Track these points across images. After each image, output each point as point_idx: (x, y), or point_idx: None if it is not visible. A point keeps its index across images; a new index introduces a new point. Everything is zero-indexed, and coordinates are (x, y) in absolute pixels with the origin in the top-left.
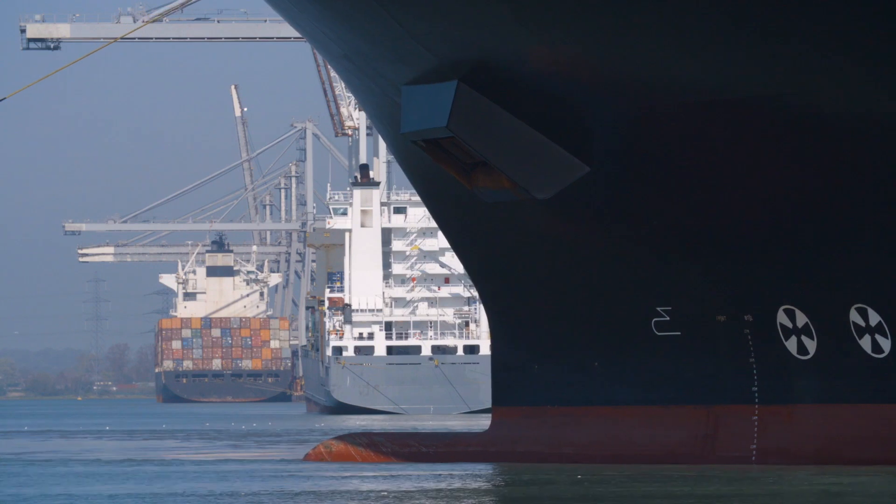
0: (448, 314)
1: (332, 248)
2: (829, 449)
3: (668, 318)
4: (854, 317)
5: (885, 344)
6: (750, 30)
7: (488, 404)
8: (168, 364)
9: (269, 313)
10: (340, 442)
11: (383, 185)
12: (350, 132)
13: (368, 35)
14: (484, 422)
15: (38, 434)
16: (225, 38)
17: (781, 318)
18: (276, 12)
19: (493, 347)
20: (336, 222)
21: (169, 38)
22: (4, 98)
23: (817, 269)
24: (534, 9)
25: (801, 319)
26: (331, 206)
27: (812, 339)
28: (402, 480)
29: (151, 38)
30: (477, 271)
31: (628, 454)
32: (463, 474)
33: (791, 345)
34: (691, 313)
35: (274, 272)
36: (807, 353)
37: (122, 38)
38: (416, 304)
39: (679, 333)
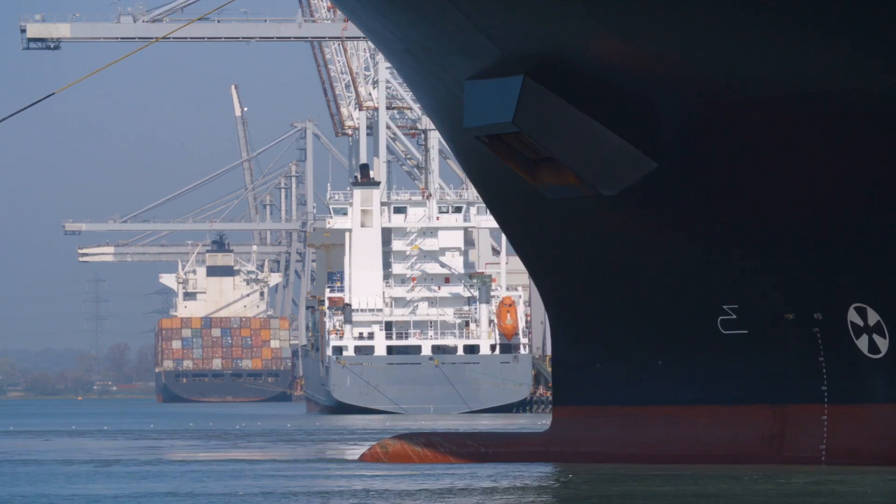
0: (448, 314)
1: (332, 247)
2: None
3: (734, 317)
4: None
5: None
6: (818, 24)
7: (488, 404)
8: (168, 364)
9: (269, 313)
10: (397, 442)
11: (383, 184)
12: (350, 132)
13: (433, 29)
14: (484, 422)
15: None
16: (225, 38)
17: (852, 316)
18: (337, 6)
19: (553, 346)
20: (336, 222)
21: (169, 38)
22: (52, 94)
23: (890, 267)
24: (606, 1)
25: (873, 318)
26: (331, 206)
27: (884, 337)
28: (475, 480)
29: (152, 38)
30: (537, 269)
31: (693, 454)
32: (535, 474)
33: (862, 343)
34: (759, 311)
35: (274, 272)
36: (878, 351)
37: (163, 38)
38: (416, 304)
39: (746, 332)
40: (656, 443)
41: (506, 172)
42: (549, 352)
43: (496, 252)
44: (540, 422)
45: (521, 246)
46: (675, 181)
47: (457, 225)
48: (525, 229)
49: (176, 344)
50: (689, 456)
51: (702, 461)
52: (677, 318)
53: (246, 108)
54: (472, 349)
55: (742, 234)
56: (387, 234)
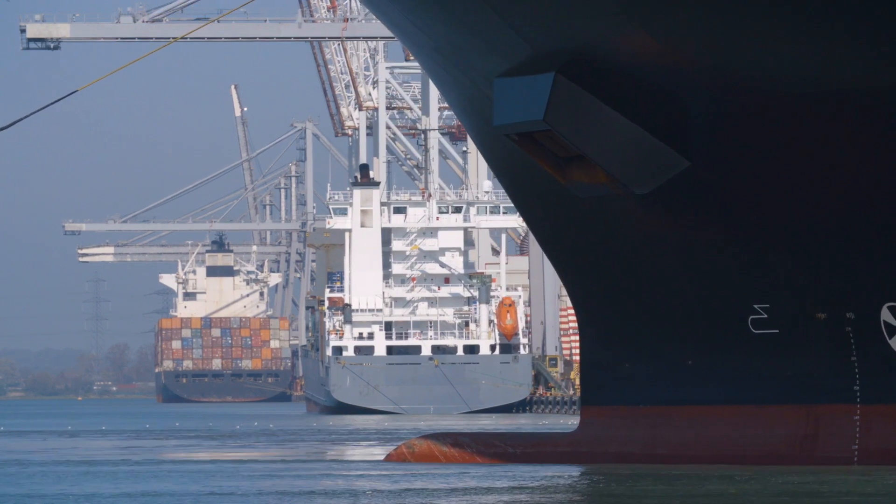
0: (448, 314)
1: (332, 248)
2: None
3: (765, 316)
4: None
5: None
6: (852, 21)
7: (488, 404)
8: (168, 364)
9: (269, 313)
10: (424, 442)
11: (383, 184)
12: (350, 132)
13: (463, 26)
14: (484, 421)
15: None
16: (225, 38)
17: (885, 315)
18: (364, 4)
19: (581, 345)
20: (336, 222)
21: (169, 39)
22: (76, 90)
23: None
24: None
25: None
26: (331, 206)
27: None
28: (500, 480)
29: (151, 38)
30: (566, 268)
31: (724, 455)
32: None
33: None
34: (790, 310)
35: (274, 272)
36: None
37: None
38: (416, 304)
39: (777, 331)
40: (686, 443)
41: (535, 171)
42: (548, 352)
43: (496, 252)
44: (540, 422)
45: (549, 245)
46: (707, 179)
47: (456, 225)
48: (554, 228)
49: (176, 344)
50: (719, 456)
51: (732, 462)
52: (707, 317)
53: (246, 108)
54: (471, 349)
55: (774, 232)
56: (387, 235)
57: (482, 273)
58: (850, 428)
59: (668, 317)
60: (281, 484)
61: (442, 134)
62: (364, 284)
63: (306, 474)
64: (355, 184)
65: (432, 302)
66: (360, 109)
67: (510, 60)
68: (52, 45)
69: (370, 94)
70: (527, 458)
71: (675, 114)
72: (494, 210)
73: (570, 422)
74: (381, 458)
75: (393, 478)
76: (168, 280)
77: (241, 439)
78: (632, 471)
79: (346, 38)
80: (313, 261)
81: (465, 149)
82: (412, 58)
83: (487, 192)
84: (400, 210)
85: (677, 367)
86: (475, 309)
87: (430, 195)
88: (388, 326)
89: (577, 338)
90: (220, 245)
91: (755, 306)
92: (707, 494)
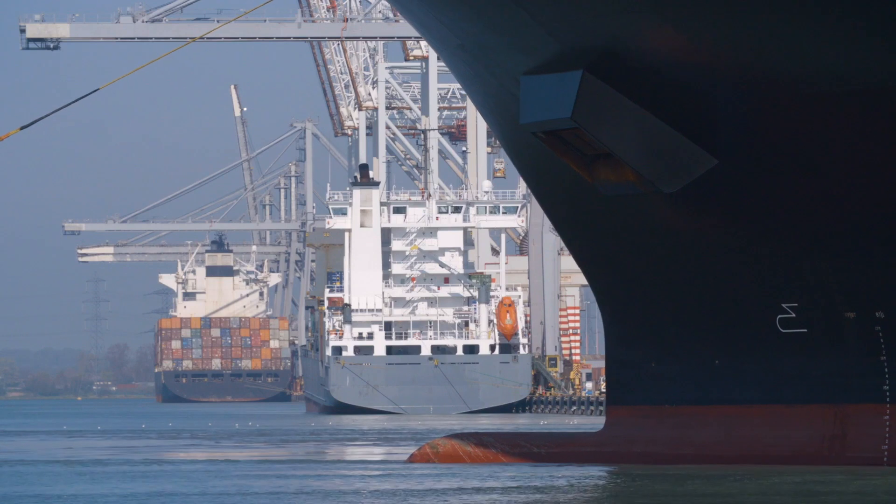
0: (448, 314)
1: (332, 247)
2: None
3: (793, 315)
4: None
5: None
6: (883, 19)
7: (488, 404)
8: (168, 364)
9: (268, 313)
10: (448, 442)
11: (383, 184)
12: (350, 132)
13: (490, 23)
14: (483, 421)
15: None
16: (225, 38)
17: None
18: (390, 2)
19: (607, 345)
20: (336, 222)
21: (169, 38)
22: (97, 89)
23: None
24: None
25: None
26: (330, 206)
27: None
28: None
29: (151, 38)
30: (591, 267)
31: (751, 455)
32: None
33: None
34: (819, 310)
35: (273, 272)
36: None
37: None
38: (415, 304)
39: (805, 330)
40: (713, 443)
41: (560, 169)
42: (547, 352)
43: (496, 252)
44: (541, 422)
45: (574, 244)
46: (735, 178)
47: (456, 225)
48: (579, 227)
49: (175, 344)
50: (746, 457)
51: (760, 462)
52: (735, 316)
53: (246, 108)
54: (471, 349)
55: (803, 231)
56: (386, 234)
57: (482, 273)
58: (879, 428)
59: (695, 316)
60: (314, 485)
61: (442, 134)
62: (364, 284)
63: (333, 475)
64: (355, 184)
65: (432, 302)
66: (360, 109)
67: (537, 58)
68: (51, 45)
69: (370, 94)
70: (552, 457)
71: (702, 111)
72: (494, 210)
73: (572, 421)
74: (404, 458)
75: (423, 478)
76: (168, 280)
77: (258, 439)
78: (660, 471)
79: (346, 38)
80: (313, 261)
81: (464, 149)
82: (412, 57)
83: (487, 192)
84: (400, 210)
85: (704, 366)
86: (475, 309)
87: (429, 195)
88: (387, 326)
89: (576, 338)
90: (219, 245)
91: (783, 305)
92: (736, 493)
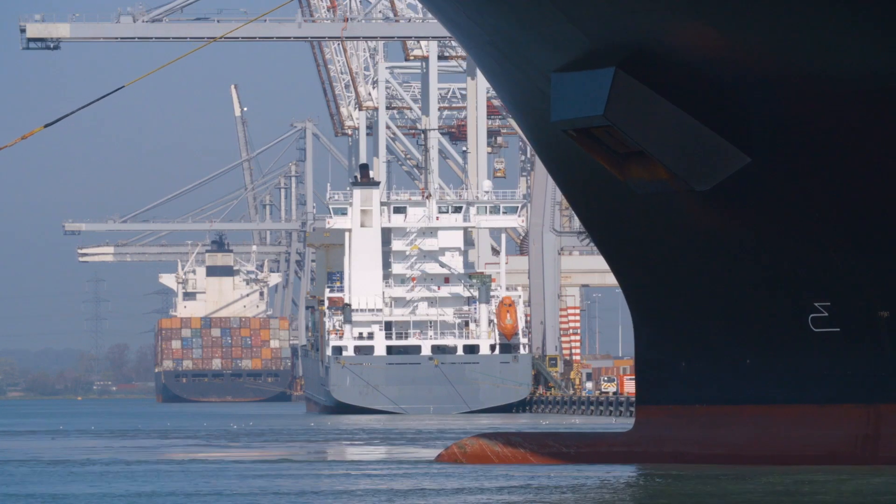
0: (448, 314)
1: (332, 247)
2: None
3: (826, 314)
4: None
5: None
6: None
7: (488, 404)
8: (168, 364)
9: (268, 313)
10: (475, 442)
11: (383, 184)
12: (350, 132)
13: (521, 19)
14: (483, 421)
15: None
16: (224, 38)
17: None
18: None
19: (637, 344)
20: (336, 222)
21: (169, 38)
22: (122, 87)
23: None
24: None
25: None
26: (331, 206)
27: None
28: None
29: (151, 38)
30: (621, 265)
31: (783, 455)
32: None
33: None
34: (852, 309)
35: (274, 272)
36: None
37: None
38: (415, 304)
39: (838, 330)
40: (744, 443)
41: (590, 167)
42: (548, 352)
43: (496, 252)
44: (545, 422)
45: (604, 242)
46: (768, 176)
47: (456, 225)
48: (609, 225)
49: (175, 344)
50: (778, 457)
51: (792, 462)
52: (767, 315)
53: (246, 108)
54: (471, 349)
55: (836, 229)
56: (386, 234)
57: (482, 273)
58: None
59: (726, 315)
60: (344, 484)
61: (442, 134)
62: (364, 284)
63: (360, 474)
64: (355, 184)
65: (432, 302)
66: (360, 109)
67: (568, 55)
68: (51, 45)
69: (370, 94)
70: (582, 457)
71: (736, 109)
72: (494, 210)
73: (573, 421)
74: (432, 458)
75: (455, 476)
76: (168, 280)
77: (272, 438)
78: (693, 471)
79: (346, 37)
80: (313, 261)
81: (464, 149)
82: (412, 57)
83: (487, 192)
84: (400, 210)
85: (735, 365)
86: (475, 309)
87: (429, 195)
88: (387, 326)
89: (577, 338)
90: (219, 245)
91: (816, 304)
92: (772, 493)
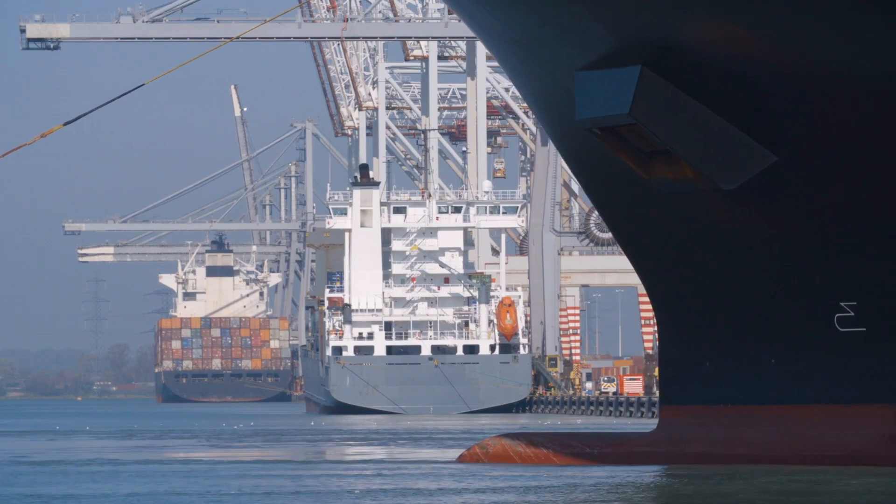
0: (448, 314)
1: (332, 248)
2: None
3: (852, 314)
4: None
5: None
6: None
7: (488, 404)
8: (168, 364)
9: (268, 313)
10: (497, 442)
11: (383, 185)
12: (350, 132)
13: (546, 17)
14: (483, 421)
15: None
16: (225, 38)
17: None
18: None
19: (660, 344)
20: (336, 222)
21: (169, 38)
22: (142, 84)
23: None
24: None
25: None
26: (330, 206)
27: None
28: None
29: (151, 39)
30: (645, 265)
31: (808, 455)
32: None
33: None
34: (878, 308)
35: (274, 272)
36: None
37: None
38: (415, 304)
39: (864, 329)
40: (769, 443)
41: (615, 165)
42: (548, 352)
43: (496, 252)
44: (545, 422)
45: (628, 242)
46: (795, 175)
47: (456, 225)
48: (633, 224)
49: (175, 344)
50: (803, 457)
51: (817, 463)
52: (792, 315)
53: (246, 108)
54: (471, 349)
55: (863, 229)
56: (386, 235)
57: (482, 273)
58: None
59: (751, 315)
60: (368, 483)
61: (442, 134)
62: (364, 284)
63: (380, 474)
64: (355, 184)
65: (432, 302)
66: (360, 109)
67: (594, 53)
68: (51, 45)
69: (370, 94)
70: (605, 458)
71: (762, 107)
72: (494, 210)
73: (574, 421)
74: (454, 458)
75: (481, 477)
76: (168, 280)
77: (282, 439)
78: (719, 471)
79: (346, 38)
80: (313, 261)
81: (464, 149)
82: (412, 57)
83: (487, 192)
84: (400, 210)
85: (760, 365)
86: (475, 309)
87: (429, 195)
88: (387, 326)
89: (576, 338)
90: (219, 245)
91: (842, 304)
92: (799, 493)
